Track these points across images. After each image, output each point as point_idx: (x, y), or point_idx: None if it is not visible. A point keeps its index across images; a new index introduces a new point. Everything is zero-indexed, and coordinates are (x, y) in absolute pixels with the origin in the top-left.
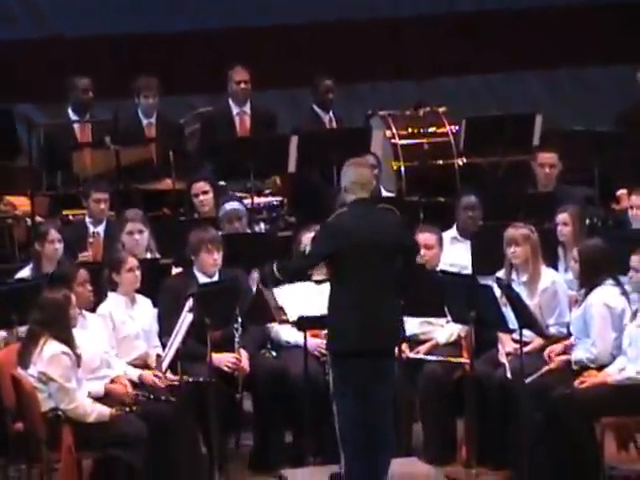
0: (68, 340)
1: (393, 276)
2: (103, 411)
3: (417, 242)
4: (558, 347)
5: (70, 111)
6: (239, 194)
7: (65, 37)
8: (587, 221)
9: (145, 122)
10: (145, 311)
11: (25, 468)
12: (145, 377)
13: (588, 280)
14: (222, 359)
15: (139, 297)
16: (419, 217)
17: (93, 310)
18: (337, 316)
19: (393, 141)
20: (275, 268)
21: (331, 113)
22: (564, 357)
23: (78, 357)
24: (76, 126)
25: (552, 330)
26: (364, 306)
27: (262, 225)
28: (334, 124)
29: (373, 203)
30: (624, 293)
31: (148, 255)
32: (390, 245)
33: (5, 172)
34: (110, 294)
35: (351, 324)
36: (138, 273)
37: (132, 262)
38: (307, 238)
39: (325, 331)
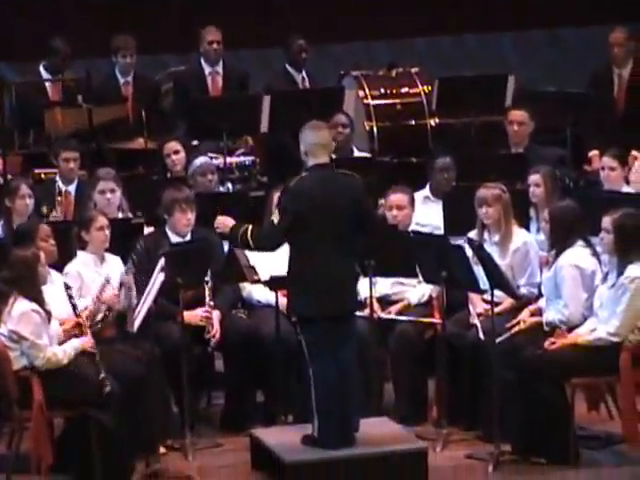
0: (37, 298)
1: (354, 240)
2: (74, 345)
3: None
4: (526, 314)
5: (42, 69)
6: (211, 154)
7: None
8: (559, 182)
9: (122, 81)
10: (114, 269)
11: None
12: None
13: (559, 241)
14: (193, 315)
15: (108, 255)
16: (391, 177)
17: (61, 268)
18: (300, 280)
19: (366, 101)
20: (249, 235)
21: (304, 73)
22: (535, 318)
23: (48, 314)
24: (48, 84)
25: (523, 290)
26: (327, 270)
27: (229, 185)
28: (307, 84)
29: (332, 167)
30: (595, 254)
31: (120, 215)
32: (350, 209)
33: None
34: (79, 252)
35: (314, 288)
36: (108, 232)
37: (102, 221)
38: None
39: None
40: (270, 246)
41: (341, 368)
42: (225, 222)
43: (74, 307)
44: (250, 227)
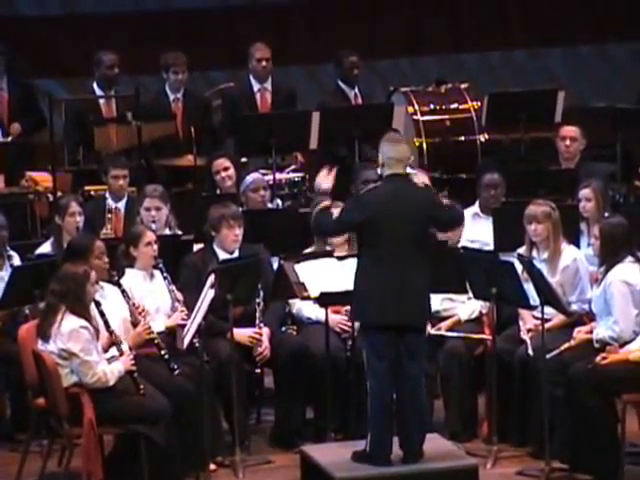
0: (84, 314)
1: (427, 251)
2: (119, 368)
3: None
4: (585, 329)
5: (95, 86)
6: (261, 171)
7: (88, 14)
8: (609, 197)
9: (172, 97)
10: (162, 286)
11: (47, 443)
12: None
13: (608, 257)
14: (243, 335)
15: (157, 272)
16: (440, 193)
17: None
18: (364, 287)
19: (415, 117)
20: (317, 211)
21: (356, 89)
22: (585, 335)
23: (96, 330)
24: (102, 101)
25: (574, 307)
26: (390, 279)
27: (279, 201)
28: (359, 100)
29: (407, 179)
30: None
31: (167, 231)
32: (421, 220)
33: (26, 148)
34: (128, 270)
35: (380, 297)
36: (156, 247)
37: (150, 236)
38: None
39: (347, 307)
40: (319, 231)
41: (408, 385)
42: (328, 180)
43: (106, 324)
44: (326, 207)
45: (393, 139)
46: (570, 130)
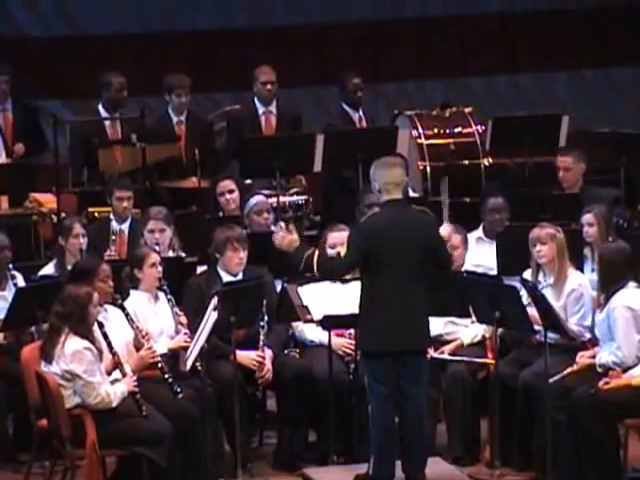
0: (87, 335)
1: (426, 276)
2: (122, 389)
3: (449, 257)
4: (588, 353)
5: (101, 108)
6: (264, 191)
7: (93, 35)
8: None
9: (175, 120)
10: (166, 308)
11: (49, 465)
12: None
13: (610, 283)
14: (246, 357)
15: (161, 294)
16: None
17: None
18: (368, 316)
19: (419, 141)
20: (315, 259)
21: (361, 112)
22: (588, 360)
23: (99, 351)
24: (107, 123)
25: (574, 328)
26: (395, 306)
27: (282, 224)
28: (364, 123)
29: (406, 203)
30: None
31: (170, 253)
32: (422, 245)
33: (30, 169)
34: (132, 292)
35: (382, 324)
36: (160, 269)
37: (154, 257)
38: (332, 237)
39: (350, 330)
40: (333, 276)
41: (411, 409)
42: (291, 240)
43: (109, 345)
44: (317, 252)
45: (386, 164)
46: (563, 161)
